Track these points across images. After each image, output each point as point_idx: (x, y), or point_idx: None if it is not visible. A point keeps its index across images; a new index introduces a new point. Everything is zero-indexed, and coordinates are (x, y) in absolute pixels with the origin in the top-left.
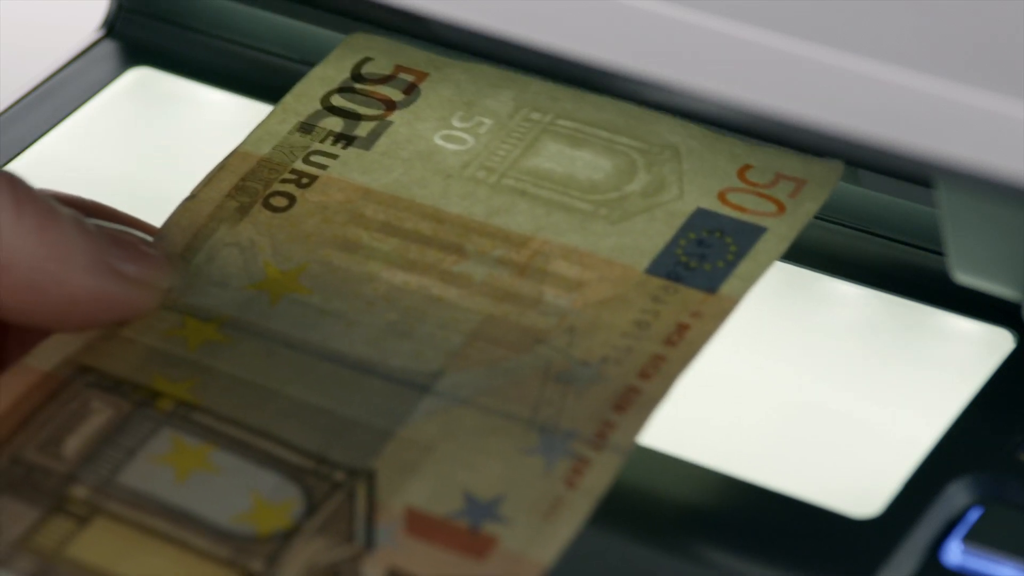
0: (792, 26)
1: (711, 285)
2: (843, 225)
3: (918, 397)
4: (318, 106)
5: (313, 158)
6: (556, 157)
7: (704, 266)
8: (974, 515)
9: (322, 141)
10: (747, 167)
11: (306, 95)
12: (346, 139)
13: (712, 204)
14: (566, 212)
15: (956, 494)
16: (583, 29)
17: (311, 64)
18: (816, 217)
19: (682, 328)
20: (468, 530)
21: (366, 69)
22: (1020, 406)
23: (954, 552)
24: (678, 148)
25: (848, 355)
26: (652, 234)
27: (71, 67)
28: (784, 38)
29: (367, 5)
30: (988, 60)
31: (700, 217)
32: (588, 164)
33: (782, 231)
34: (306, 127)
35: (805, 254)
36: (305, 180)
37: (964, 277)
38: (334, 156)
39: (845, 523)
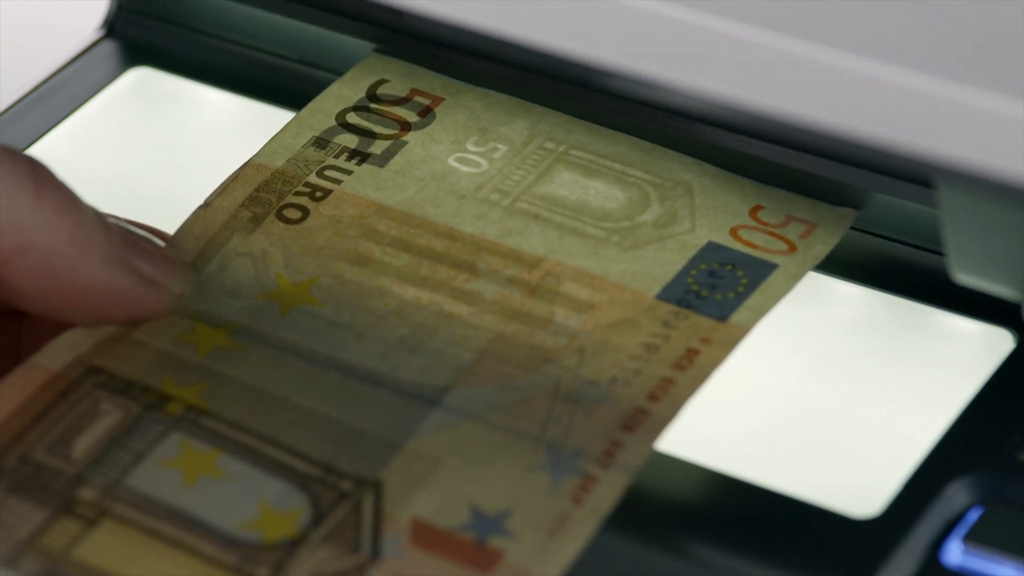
0: (792, 26)
1: (722, 314)
2: None
3: (918, 397)
4: (333, 122)
5: (327, 172)
6: (569, 185)
7: (715, 295)
8: (974, 515)
9: (336, 156)
10: (759, 207)
11: (321, 111)
12: (360, 156)
13: (724, 239)
14: (578, 237)
15: (956, 494)
16: (583, 29)
17: (311, 64)
18: None
19: (691, 353)
20: (474, 543)
21: (382, 90)
22: (1020, 406)
23: (954, 552)
24: (691, 185)
25: (848, 355)
26: (663, 262)
27: (71, 67)
28: (784, 38)
29: (367, 5)
30: (988, 60)
31: (711, 250)
32: (601, 193)
33: (792, 269)
34: (320, 142)
35: None
36: (319, 193)
37: (964, 277)
38: (348, 172)
39: (845, 523)
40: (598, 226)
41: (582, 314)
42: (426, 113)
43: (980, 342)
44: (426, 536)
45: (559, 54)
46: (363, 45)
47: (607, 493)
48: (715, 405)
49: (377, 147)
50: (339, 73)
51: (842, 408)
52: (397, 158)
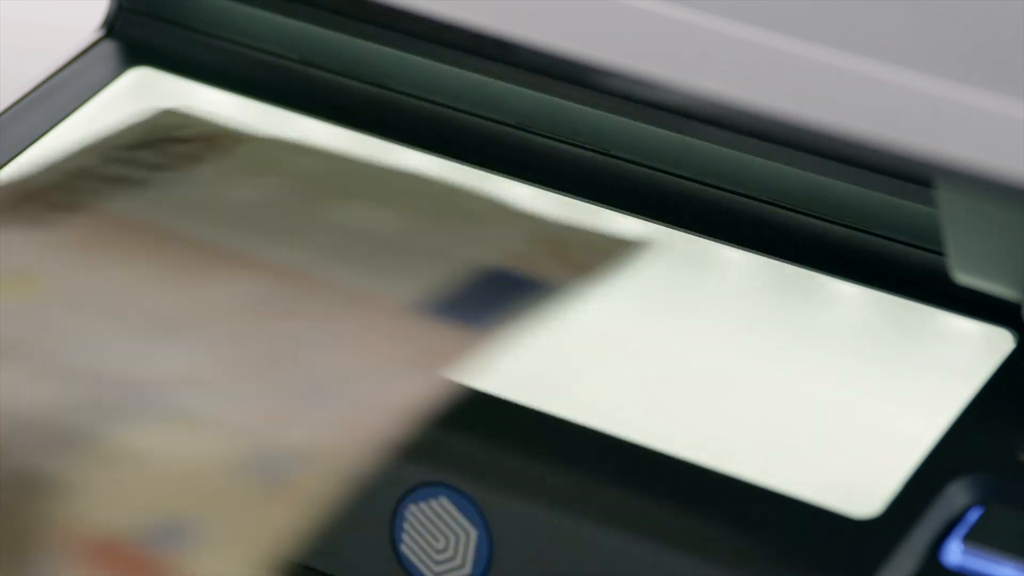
0: (792, 26)
1: None
2: (843, 225)
3: (918, 397)
4: None
5: None
6: None
7: None
8: (974, 515)
9: None
10: None
11: None
12: None
13: None
14: None
15: (956, 494)
16: (583, 29)
17: (311, 64)
18: (815, 217)
19: None
20: (153, 553)
21: None
22: (1020, 406)
23: (954, 552)
24: None
25: (848, 355)
26: None
27: (71, 67)
28: (784, 38)
29: (368, 5)
30: (988, 60)
31: None
32: None
33: None
34: None
35: (805, 253)
36: None
37: (964, 277)
38: None
39: (845, 523)
40: None
41: None
42: None
43: (980, 342)
44: (99, 546)
45: (558, 54)
46: (364, 45)
47: (308, 504)
48: (715, 405)
49: None
50: (339, 73)
51: (842, 408)
52: None
